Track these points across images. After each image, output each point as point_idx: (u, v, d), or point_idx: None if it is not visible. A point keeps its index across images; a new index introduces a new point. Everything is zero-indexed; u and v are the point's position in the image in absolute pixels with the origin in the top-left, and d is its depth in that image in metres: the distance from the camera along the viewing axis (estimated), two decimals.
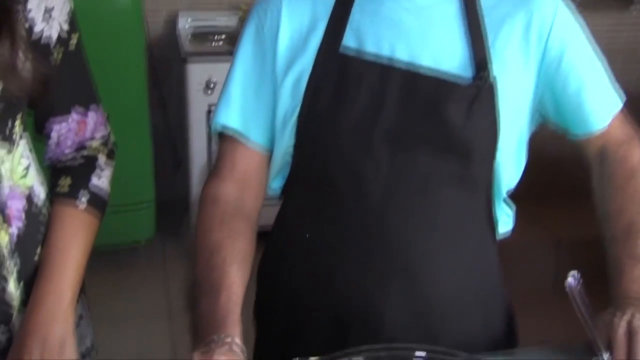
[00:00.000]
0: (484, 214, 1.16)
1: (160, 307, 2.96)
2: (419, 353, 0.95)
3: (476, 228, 1.17)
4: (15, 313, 1.09)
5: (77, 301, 1.14)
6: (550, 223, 3.34)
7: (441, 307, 1.14)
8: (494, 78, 1.08)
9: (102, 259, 2.12)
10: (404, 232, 1.10)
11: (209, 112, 3.18)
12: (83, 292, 1.21)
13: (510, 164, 1.13)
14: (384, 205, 1.09)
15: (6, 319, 1.08)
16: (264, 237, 1.23)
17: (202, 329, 0.99)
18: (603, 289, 1.07)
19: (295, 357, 0.99)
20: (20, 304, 1.09)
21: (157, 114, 3.43)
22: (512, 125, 1.11)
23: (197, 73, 3.12)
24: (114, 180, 1.20)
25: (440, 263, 1.12)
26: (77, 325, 1.16)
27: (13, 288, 1.08)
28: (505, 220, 1.19)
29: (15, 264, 1.09)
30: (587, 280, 1.03)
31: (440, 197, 1.11)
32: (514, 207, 1.19)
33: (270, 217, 1.25)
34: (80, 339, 1.16)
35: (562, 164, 3.37)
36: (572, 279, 1.03)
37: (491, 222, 1.17)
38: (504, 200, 1.17)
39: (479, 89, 1.07)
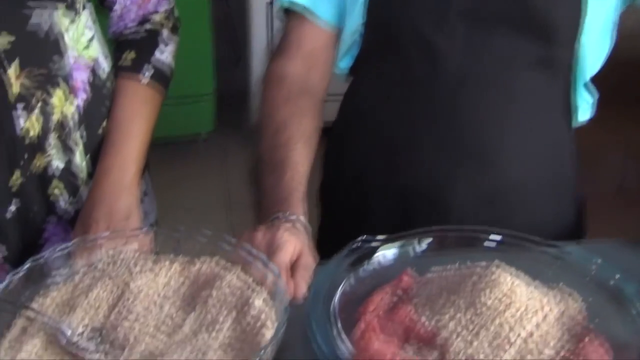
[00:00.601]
0: (562, 100, 1.10)
1: (219, 198, 3.00)
2: (493, 237, 0.92)
3: (552, 115, 1.11)
4: (82, 185, 1.10)
5: (142, 177, 1.14)
6: (618, 127, 3.22)
7: (510, 194, 1.10)
8: None
9: (162, 150, 2.13)
10: (476, 114, 1.06)
11: (271, 4, 3.11)
12: (147, 168, 1.21)
13: (594, 46, 1.06)
14: (457, 85, 1.05)
15: (73, 190, 1.09)
16: (325, 133, 1.20)
17: (266, 206, 0.97)
18: None
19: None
20: (87, 176, 1.10)
21: (218, 6, 3.37)
22: (600, 3, 1.03)
23: None
24: (174, 73, 1.18)
25: (511, 149, 1.08)
26: (142, 201, 1.16)
27: (79, 160, 1.08)
28: (585, 107, 1.12)
29: (81, 136, 1.08)
30: None
31: (516, 79, 1.05)
32: (596, 95, 1.12)
33: (332, 114, 1.21)
34: (144, 215, 1.17)
35: (633, 66, 3.23)
36: None
37: (568, 109, 1.11)
38: (586, 86, 1.11)
39: None
